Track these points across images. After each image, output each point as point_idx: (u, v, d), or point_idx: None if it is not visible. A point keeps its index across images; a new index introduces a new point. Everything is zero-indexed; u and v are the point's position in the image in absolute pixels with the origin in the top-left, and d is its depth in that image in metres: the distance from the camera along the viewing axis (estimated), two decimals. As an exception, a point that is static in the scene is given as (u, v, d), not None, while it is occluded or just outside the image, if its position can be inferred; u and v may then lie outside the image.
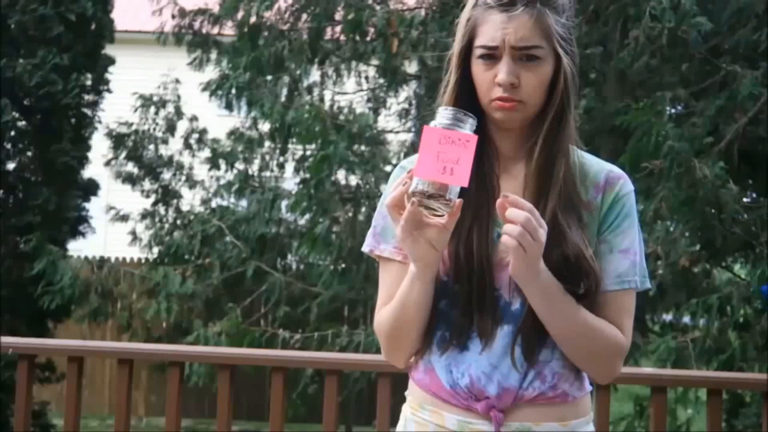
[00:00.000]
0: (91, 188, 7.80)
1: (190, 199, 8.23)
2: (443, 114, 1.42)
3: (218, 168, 7.99)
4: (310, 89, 7.36)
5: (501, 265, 1.50)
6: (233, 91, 7.14)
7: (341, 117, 6.61)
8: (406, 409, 1.63)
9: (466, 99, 1.52)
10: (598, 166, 1.58)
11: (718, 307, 4.91)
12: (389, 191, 1.46)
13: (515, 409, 1.51)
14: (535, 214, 1.38)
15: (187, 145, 8.40)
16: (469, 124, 1.42)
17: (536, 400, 1.52)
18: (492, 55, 1.48)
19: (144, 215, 8.13)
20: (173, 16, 7.68)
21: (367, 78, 7.35)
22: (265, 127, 7.40)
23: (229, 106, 7.32)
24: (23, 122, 7.51)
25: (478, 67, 1.51)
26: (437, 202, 1.40)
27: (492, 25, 1.48)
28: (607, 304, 1.53)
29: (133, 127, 8.23)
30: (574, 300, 1.48)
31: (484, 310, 1.51)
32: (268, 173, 7.81)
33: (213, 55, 7.73)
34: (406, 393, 1.64)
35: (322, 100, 7.33)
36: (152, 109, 8.33)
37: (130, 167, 8.30)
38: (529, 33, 1.46)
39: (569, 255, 1.48)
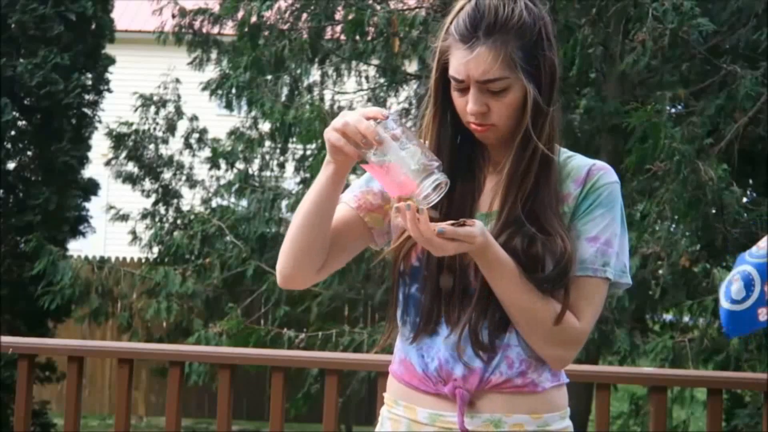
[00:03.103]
0: (91, 188, 7.80)
1: (190, 199, 8.22)
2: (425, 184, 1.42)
3: (218, 168, 7.99)
4: (310, 89, 7.36)
5: None
6: (233, 90, 7.13)
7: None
8: (383, 410, 1.67)
9: (449, 118, 1.59)
10: (582, 162, 1.61)
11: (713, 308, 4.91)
12: (364, 112, 1.46)
13: (483, 396, 1.54)
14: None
15: (187, 145, 8.39)
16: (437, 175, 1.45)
17: (504, 387, 1.54)
18: (462, 86, 1.53)
19: (144, 215, 8.12)
20: (173, 16, 7.67)
21: (367, 78, 7.34)
22: (265, 126, 7.40)
23: (229, 106, 7.32)
24: (23, 122, 7.51)
25: (454, 93, 1.56)
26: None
27: (457, 59, 1.52)
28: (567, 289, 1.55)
29: (133, 127, 8.22)
30: (528, 281, 1.50)
31: (452, 295, 1.55)
32: (268, 173, 7.80)
33: (213, 55, 7.73)
34: (384, 393, 1.68)
35: (322, 99, 7.32)
36: (152, 109, 8.32)
37: (130, 167, 8.28)
38: (490, 67, 1.49)
39: (538, 247, 1.51)
